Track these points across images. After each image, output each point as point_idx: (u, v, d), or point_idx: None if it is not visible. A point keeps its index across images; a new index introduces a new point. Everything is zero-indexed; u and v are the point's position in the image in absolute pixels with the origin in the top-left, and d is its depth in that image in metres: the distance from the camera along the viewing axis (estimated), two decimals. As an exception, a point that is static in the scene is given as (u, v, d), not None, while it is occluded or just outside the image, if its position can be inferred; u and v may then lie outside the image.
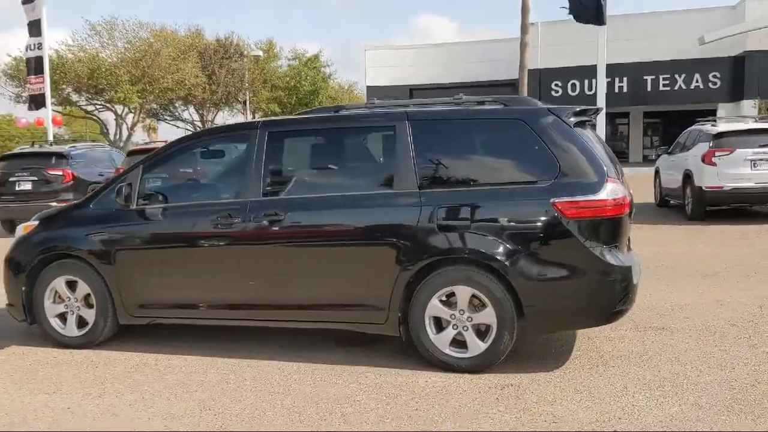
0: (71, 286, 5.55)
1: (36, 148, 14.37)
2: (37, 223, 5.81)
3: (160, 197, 5.52)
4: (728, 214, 12.85)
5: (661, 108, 35.02)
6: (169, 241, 5.34)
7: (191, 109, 44.49)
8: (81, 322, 5.55)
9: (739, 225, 11.83)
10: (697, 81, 31.81)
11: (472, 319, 4.65)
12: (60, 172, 13.15)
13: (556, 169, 4.58)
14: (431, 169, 4.88)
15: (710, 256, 8.94)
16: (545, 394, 4.27)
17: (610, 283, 4.55)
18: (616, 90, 32.84)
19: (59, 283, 5.55)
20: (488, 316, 4.60)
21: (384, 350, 5.18)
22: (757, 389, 4.24)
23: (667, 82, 32.39)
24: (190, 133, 16.64)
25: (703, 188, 12.01)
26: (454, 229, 4.65)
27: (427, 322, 4.72)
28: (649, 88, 32.79)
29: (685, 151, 13.34)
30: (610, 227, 4.60)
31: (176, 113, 45.41)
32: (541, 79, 32.87)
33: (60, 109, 37.75)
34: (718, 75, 31.30)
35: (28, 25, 17.48)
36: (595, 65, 13.54)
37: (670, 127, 34.28)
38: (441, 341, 4.71)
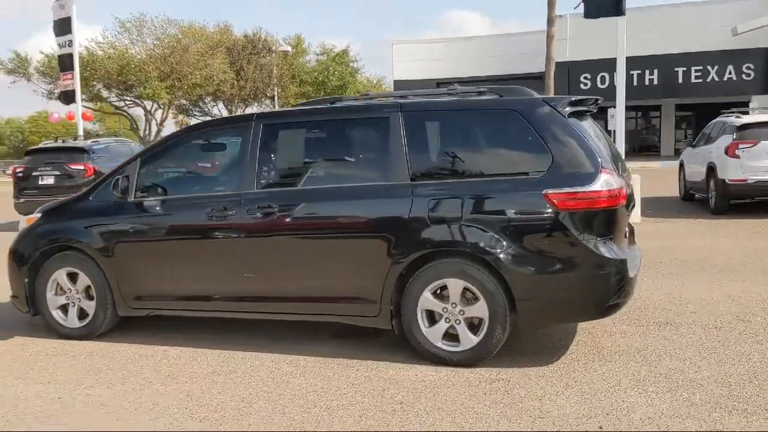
0: (72, 278, 5.61)
1: (59, 143, 14.60)
2: (39, 215, 5.87)
3: (158, 190, 5.53)
4: (754, 207, 12.51)
5: (694, 100, 34.39)
6: (164, 233, 5.35)
7: (220, 104, 44.93)
8: (82, 314, 5.61)
9: (765, 219, 11.52)
10: (729, 73, 31.21)
11: (464, 313, 4.58)
12: (82, 167, 13.32)
13: (549, 160, 4.48)
14: (424, 161, 4.82)
15: (729, 251, 8.71)
16: (535, 389, 4.19)
17: (605, 276, 4.44)
18: (647, 82, 32.38)
19: (61, 275, 5.61)
20: (480, 309, 4.52)
21: (378, 343, 5.14)
22: (753, 385, 4.10)
23: (699, 74, 31.83)
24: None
25: (727, 181, 11.73)
26: (446, 221, 4.58)
27: (419, 315, 4.66)
28: (680, 81, 32.24)
29: (709, 144, 13.02)
30: (604, 219, 4.48)
31: (206, 109, 45.91)
32: (570, 71, 32.50)
33: (91, 105, 38.39)
34: (752, 66, 30.68)
35: (53, 23, 17.74)
36: (624, 58, 13.15)
37: (702, 120, 33.53)
38: (433, 334, 4.65)
